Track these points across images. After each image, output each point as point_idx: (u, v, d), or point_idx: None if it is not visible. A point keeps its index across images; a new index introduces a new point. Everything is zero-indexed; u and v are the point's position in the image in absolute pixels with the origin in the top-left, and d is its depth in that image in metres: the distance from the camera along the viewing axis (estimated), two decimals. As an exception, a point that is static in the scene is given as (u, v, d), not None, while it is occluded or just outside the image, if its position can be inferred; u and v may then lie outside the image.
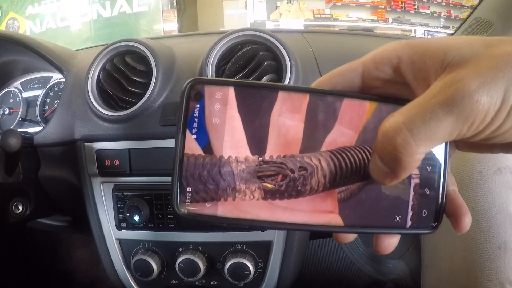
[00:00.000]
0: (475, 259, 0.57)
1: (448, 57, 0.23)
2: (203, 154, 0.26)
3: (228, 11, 4.18)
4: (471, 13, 1.05)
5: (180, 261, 0.68)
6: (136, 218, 0.67)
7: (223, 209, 0.26)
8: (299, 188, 0.27)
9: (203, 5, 4.27)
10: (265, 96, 0.27)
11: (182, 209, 0.26)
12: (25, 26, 3.58)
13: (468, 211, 0.28)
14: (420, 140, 0.22)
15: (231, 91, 0.26)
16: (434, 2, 4.78)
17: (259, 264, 0.70)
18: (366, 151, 0.27)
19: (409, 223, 0.28)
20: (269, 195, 0.27)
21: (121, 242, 0.73)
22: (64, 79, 0.79)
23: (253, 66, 0.65)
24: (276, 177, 0.27)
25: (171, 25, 3.30)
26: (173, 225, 0.68)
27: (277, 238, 0.68)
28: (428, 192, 0.28)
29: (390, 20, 4.64)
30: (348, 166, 0.27)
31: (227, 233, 0.68)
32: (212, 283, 0.72)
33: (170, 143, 0.66)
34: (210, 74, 0.66)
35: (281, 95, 0.27)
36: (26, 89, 0.94)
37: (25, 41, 0.79)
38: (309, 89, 0.27)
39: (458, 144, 0.30)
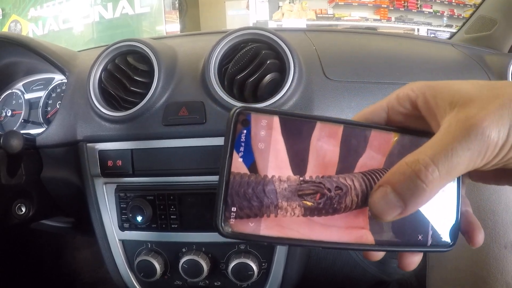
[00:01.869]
0: (481, 259, 0.56)
1: (456, 99, 0.27)
2: (248, 172, 0.28)
3: (230, 11, 4.17)
4: (475, 11, 1.05)
5: (184, 261, 0.68)
6: (139, 218, 0.67)
7: (266, 226, 0.28)
8: (335, 205, 0.30)
9: (205, 6, 4.27)
10: (305, 123, 0.30)
11: (226, 228, 0.27)
12: (28, 29, 3.59)
13: (481, 228, 0.31)
14: (444, 173, 0.25)
15: (275, 119, 0.29)
16: (437, 1, 4.76)
17: (263, 264, 0.69)
18: None
19: (429, 241, 0.31)
20: (308, 212, 0.29)
21: (124, 243, 0.73)
22: (66, 80, 0.79)
23: (256, 64, 0.64)
24: (315, 196, 0.29)
25: (173, 26, 3.29)
26: (176, 226, 0.68)
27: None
28: (445, 213, 0.31)
29: (393, 19, 4.63)
30: None
31: (230, 233, 0.68)
32: (215, 283, 0.72)
33: (172, 143, 0.66)
34: (212, 73, 0.65)
35: (319, 123, 0.30)
36: (28, 91, 0.94)
37: (27, 42, 0.79)
38: (344, 121, 0.30)
39: (471, 175, 0.33)
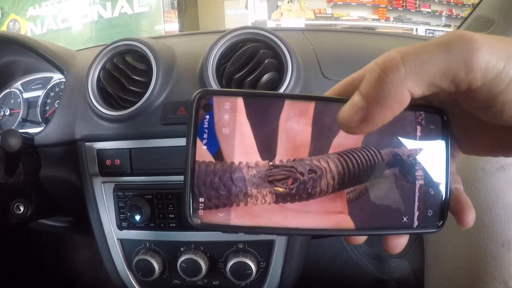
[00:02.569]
0: (479, 257, 0.56)
1: None
2: (213, 160, 0.26)
3: (229, 11, 4.18)
4: (473, 10, 1.05)
5: (182, 260, 0.68)
6: (137, 217, 0.67)
7: (236, 215, 0.27)
8: (309, 190, 0.28)
9: (204, 5, 4.27)
10: (272, 103, 0.27)
11: (195, 219, 0.26)
12: (26, 28, 3.59)
13: (472, 207, 0.28)
14: (411, 71, 0.22)
15: (239, 100, 0.27)
16: (435, 0, 4.77)
17: (261, 263, 0.69)
18: (372, 151, 0.28)
19: (416, 223, 0.29)
20: (280, 198, 0.27)
21: (122, 242, 0.73)
22: (64, 80, 0.79)
23: (254, 64, 0.64)
24: (286, 181, 0.27)
25: (172, 26, 3.30)
26: (174, 225, 0.68)
27: (279, 237, 0.68)
28: (432, 192, 0.29)
29: (392, 19, 4.64)
30: (355, 167, 0.28)
31: (228, 233, 0.68)
32: (214, 282, 0.72)
33: (171, 142, 0.66)
34: (210, 72, 0.65)
35: (288, 102, 0.27)
36: (27, 90, 0.94)
37: (26, 41, 0.79)
38: (315, 97, 0.28)
39: (461, 144, 0.30)
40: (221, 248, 0.69)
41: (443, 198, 0.29)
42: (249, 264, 0.67)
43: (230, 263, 0.67)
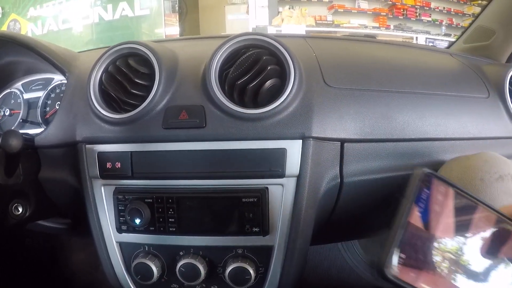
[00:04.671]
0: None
1: None
2: (423, 228, 0.32)
3: (230, 16, 4.18)
4: (474, 21, 1.06)
5: (181, 265, 0.68)
6: (137, 221, 0.67)
7: (424, 280, 0.31)
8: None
9: (205, 10, 4.28)
10: (471, 203, 0.35)
11: (390, 270, 0.30)
12: (27, 28, 3.59)
13: None
14: None
15: (451, 190, 0.34)
16: (436, 10, 4.81)
17: (260, 269, 0.69)
18: None
19: None
20: (465, 273, 0.32)
21: (121, 245, 0.73)
22: (65, 81, 0.79)
23: (256, 70, 0.64)
24: (475, 257, 0.33)
25: (173, 29, 3.30)
26: (174, 229, 0.68)
27: (278, 243, 0.68)
28: None
29: (392, 27, 4.67)
30: None
31: (228, 238, 0.68)
32: (212, 287, 0.72)
33: (172, 146, 0.66)
34: (213, 77, 0.65)
35: (481, 207, 0.35)
36: (27, 91, 0.94)
37: (28, 42, 0.79)
38: (499, 212, 0.35)
39: None
40: (220, 253, 0.69)
41: None
42: (248, 270, 0.67)
43: (229, 268, 0.67)
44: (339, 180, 0.70)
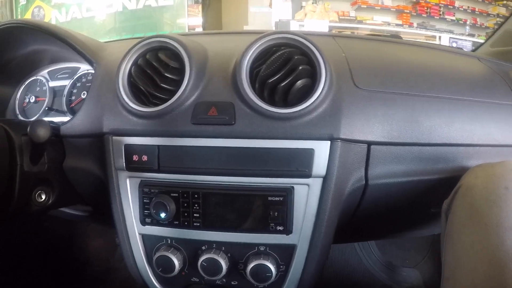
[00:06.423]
0: (498, 277, 0.56)
1: None
2: None
3: (252, 8, 4.14)
4: (502, 24, 1.04)
5: (203, 259, 0.69)
6: (162, 215, 0.67)
7: None
8: None
9: (227, 1, 4.25)
10: None
11: None
12: (51, 15, 3.60)
13: None
14: None
15: None
16: (460, 9, 4.72)
17: (281, 266, 0.70)
18: None
19: None
20: None
21: (144, 237, 0.73)
22: (92, 71, 0.79)
23: (288, 69, 0.64)
24: None
25: (195, 20, 3.28)
26: (198, 224, 0.68)
27: (300, 242, 0.68)
28: None
29: (415, 25, 4.60)
30: None
31: (251, 235, 0.69)
32: (232, 283, 0.72)
33: (200, 142, 0.66)
34: (244, 74, 0.65)
35: None
36: (53, 79, 0.95)
37: (57, 32, 0.79)
38: None
39: None
40: (243, 249, 0.70)
41: None
42: (269, 267, 0.68)
43: (250, 265, 0.68)
44: (364, 182, 0.70)
